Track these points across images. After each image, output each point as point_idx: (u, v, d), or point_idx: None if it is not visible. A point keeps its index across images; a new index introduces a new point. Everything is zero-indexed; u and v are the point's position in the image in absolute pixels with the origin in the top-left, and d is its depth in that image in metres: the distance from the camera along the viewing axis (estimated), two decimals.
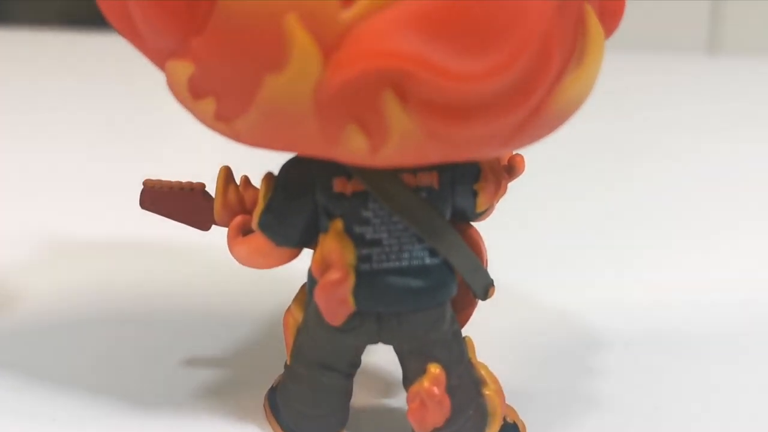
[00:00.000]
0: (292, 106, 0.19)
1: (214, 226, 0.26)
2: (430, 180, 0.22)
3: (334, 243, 0.22)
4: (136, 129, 0.66)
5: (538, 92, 0.19)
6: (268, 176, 0.23)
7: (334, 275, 0.22)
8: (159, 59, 0.22)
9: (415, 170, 0.22)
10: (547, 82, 0.19)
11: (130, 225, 0.39)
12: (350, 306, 0.22)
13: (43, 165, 0.55)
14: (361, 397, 0.27)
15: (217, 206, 0.25)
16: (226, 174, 0.25)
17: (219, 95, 0.20)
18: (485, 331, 0.27)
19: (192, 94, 0.21)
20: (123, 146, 0.60)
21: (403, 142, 0.19)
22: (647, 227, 0.46)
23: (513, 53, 0.18)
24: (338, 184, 0.22)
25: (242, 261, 0.24)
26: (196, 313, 0.34)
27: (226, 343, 0.32)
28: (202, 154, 0.45)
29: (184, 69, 0.20)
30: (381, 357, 0.29)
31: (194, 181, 0.26)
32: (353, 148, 0.19)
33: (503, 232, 0.30)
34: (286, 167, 0.23)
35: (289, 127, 0.20)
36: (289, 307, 0.25)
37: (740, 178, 0.55)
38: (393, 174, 0.22)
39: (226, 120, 0.21)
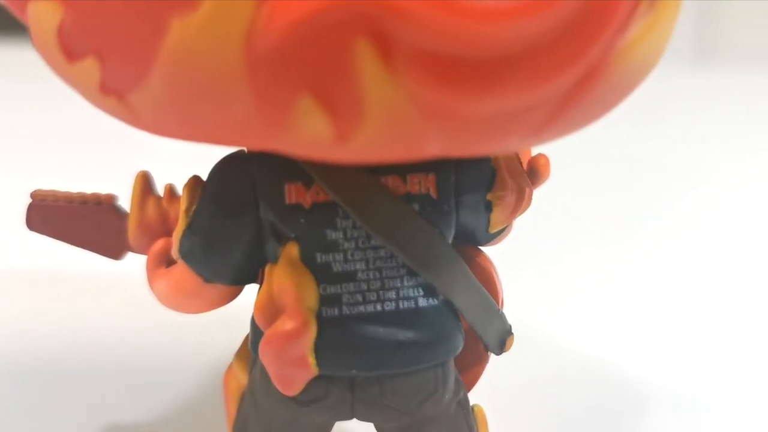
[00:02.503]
0: (212, 66, 0.15)
1: (129, 254, 0.23)
2: (426, 186, 0.19)
3: (286, 278, 0.19)
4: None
5: (596, 44, 0.15)
6: (193, 182, 0.20)
7: (286, 325, 0.19)
8: (17, 3, 0.18)
9: (404, 171, 0.19)
10: (609, 29, 0.15)
11: (25, 253, 0.38)
12: (311, 368, 0.19)
13: None
14: None
15: (132, 225, 0.22)
16: (144, 182, 0.22)
17: (103, 54, 0.16)
18: (498, 395, 0.24)
19: (65, 53, 0.17)
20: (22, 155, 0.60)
21: (385, 123, 0.15)
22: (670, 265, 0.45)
23: None
24: (293, 193, 0.19)
25: (163, 302, 0.22)
26: (116, 367, 0.32)
27: (156, 406, 0.30)
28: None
29: (50, 14, 0.17)
30: None
31: (102, 192, 0.23)
32: (310, 133, 0.15)
33: (515, 261, 0.27)
34: (218, 169, 0.20)
35: (210, 101, 0.15)
36: (231, 365, 0.22)
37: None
38: (371, 177, 0.19)
39: (117, 93, 0.16)
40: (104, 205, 0.23)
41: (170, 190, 0.22)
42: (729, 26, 1.13)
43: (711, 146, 0.67)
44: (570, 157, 0.59)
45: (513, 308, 0.22)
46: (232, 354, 0.23)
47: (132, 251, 0.23)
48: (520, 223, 0.22)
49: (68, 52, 0.16)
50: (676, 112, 0.80)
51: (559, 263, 0.44)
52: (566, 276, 0.42)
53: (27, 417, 0.29)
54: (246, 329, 0.22)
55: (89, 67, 0.16)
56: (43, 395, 0.30)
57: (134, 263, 0.23)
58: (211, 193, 0.20)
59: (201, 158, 0.22)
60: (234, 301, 0.22)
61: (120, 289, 0.37)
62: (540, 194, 0.23)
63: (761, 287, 0.42)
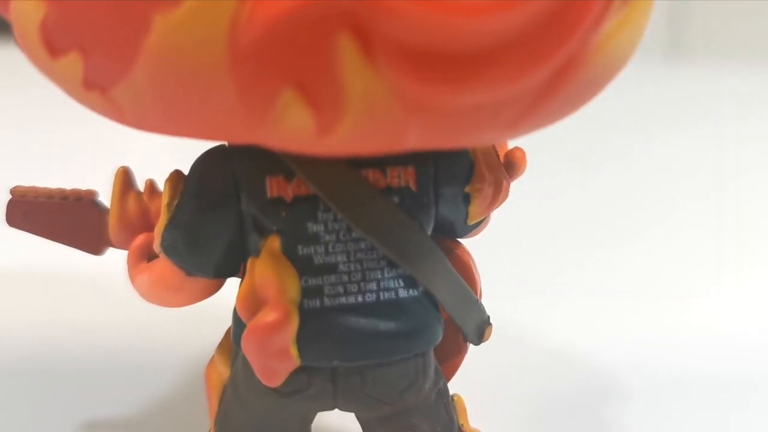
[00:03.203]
0: (195, 61, 0.15)
1: (110, 249, 0.23)
2: (405, 178, 0.19)
3: (268, 270, 0.19)
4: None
5: (571, 39, 0.15)
6: (175, 176, 0.20)
7: (268, 316, 0.19)
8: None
9: (383, 164, 0.19)
10: (584, 24, 0.15)
11: (7, 249, 0.37)
12: (293, 360, 0.19)
13: None
14: None
15: (113, 221, 0.22)
16: (124, 177, 0.22)
17: (86, 48, 0.16)
18: (477, 385, 0.24)
19: (48, 49, 0.16)
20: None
21: (366, 115, 0.15)
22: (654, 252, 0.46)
23: None
24: (274, 186, 0.19)
25: (145, 296, 0.22)
26: (98, 363, 0.32)
27: (137, 400, 0.30)
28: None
29: (33, 10, 0.16)
30: (338, 427, 0.26)
31: (83, 188, 0.23)
32: (292, 126, 0.15)
33: (493, 254, 0.27)
34: (199, 162, 0.20)
35: (193, 95, 0.15)
36: (213, 358, 0.22)
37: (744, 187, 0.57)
38: (352, 170, 0.19)
39: (100, 88, 0.16)
40: (84, 200, 0.22)
41: (151, 186, 0.22)
42: (701, 23, 1.13)
43: (684, 141, 0.68)
44: (546, 152, 0.59)
45: (491, 300, 0.22)
46: (212, 349, 0.22)
47: (113, 246, 0.22)
48: (497, 215, 0.22)
49: (51, 47, 0.16)
50: (649, 108, 0.80)
51: (537, 255, 0.44)
52: (543, 268, 0.43)
53: (8, 412, 0.28)
54: (226, 324, 0.22)
55: (72, 62, 0.16)
56: (25, 390, 0.30)
57: (115, 260, 0.23)
58: (192, 187, 0.20)
59: (180, 153, 0.22)
60: (214, 297, 0.22)
61: (100, 286, 0.36)
62: (517, 187, 0.23)
63: (737, 272, 0.42)
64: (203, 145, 0.19)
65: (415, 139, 0.16)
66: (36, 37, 0.16)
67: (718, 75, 0.95)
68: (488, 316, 0.22)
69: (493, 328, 0.22)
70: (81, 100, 0.17)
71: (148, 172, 0.22)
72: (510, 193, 0.21)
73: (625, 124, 0.73)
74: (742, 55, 1.01)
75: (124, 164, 0.22)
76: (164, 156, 0.23)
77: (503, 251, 0.38)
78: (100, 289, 0.37)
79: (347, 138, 0.15)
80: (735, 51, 1.04)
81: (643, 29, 0.17)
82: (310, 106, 0.15)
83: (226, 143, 0.19)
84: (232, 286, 0.21)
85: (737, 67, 0.97)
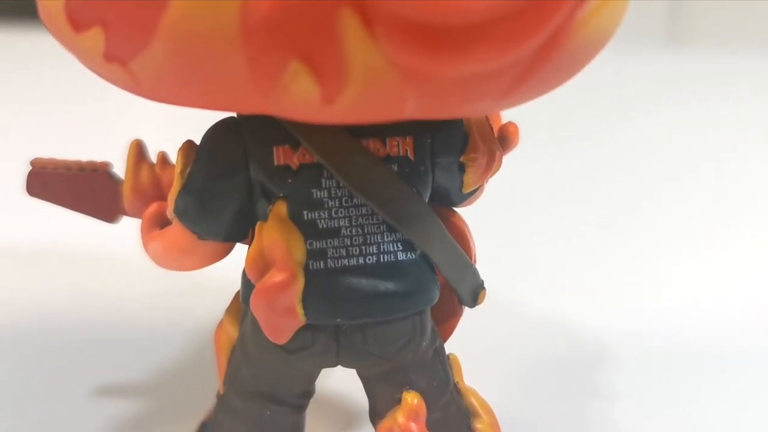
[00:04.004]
0: (209, 34, 0.15)
1: (124, 217, 0.23)
2: (404, 148, 0.20)
3: (275, 234, 0.19)
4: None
5: (556, 14, 0.15)
6: (187, 146, 0.20)
7: (276, 277, 0.19)
8: None
9: (383, 134, 0.20)
10: (568, 2, 0.16)
11: (24, 224, 0.38)
12: (298, 318, 0.20)
13: None
14: None
15: (127, 191, 0.22)
16: (138, 149, 0.22)
17: (108, 24, 0.16)
18: (472, 346, 0.24)
19: (72, 25, 0.17)
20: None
21: (367, 85, 0.16)
22: (646, 227, 0.46)
23: None
24: (281, 155, 0.19)
25: (158, 260, 0.22)
26: (109, 329, 0.32)
27: (146, 366, 0.30)
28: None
29: None
30: (341, 383, 0.27)
31: (98, 160, 0.23)
32: (299, 96, 0.16)
33: (488, 223, 0.27)
34: (211, 133, 0.20)
35: (207, 67, 0.16)
36: (222, 321, 0.22)
37: (738, 170, 0.57)
38: (354, 140, 0.19)
39: (120, 61, 0.17)
40: (100, 171, 0.23)
41: (163, 157, 0.22)
42: (701, 10, 1.11)
43: (682, 129, 0.67)
44: (548, 130, 0.59)
45: (486, 267, 0.23)
46: (217, 318, 0.23)
47: (126, 215, 0.23)
48: (492, 187, 0.23)
49: (75, 23, 0.17)
50: (648, 94, 0.79)
51: (531, 226, 0.45)
52: (537, 237, 0.43)
53: (24, 380, 0.29)
54: (228, 296, 0.23)
55: (94, 36, 0.17)
56: (41, 358, 0.30)
57: (127, 235, 0.23)
58: (204, 155, 0.20)
59: (191, 127, 0.23)
60: (221, 269, 0.22)
61: (113, 260, 0.36)
62: (514, 160, 0.23)
63: (726, 246, 0.43)
64: (213, 118, 0.20)
65: (412, 108, 0.16)
66: (61, 15, 0.17)
67: (716, 61, 0.94)
68: (482, 281, 0.22)
69: (486, 293, 0.22)
70: (101, 73, 0.17)
71: (160, 145, 0.23)
72: (504, 165, 0.22)
73: (626, 107, 0.73)
74: (741, 42, 1.00)
75: (138, 137, 0.22)
76: (175, 129, 0.23)
77: (498, 222, 0.38)
78: (112, 263, 0.37)
79: (349, 107, 0.16)
80: (733, 38, 1.03)
81: (624, 9, 0.18)
82: (316, 76, 0.15)
83: (235, 115, 0.20)
84: (237, 257, 0.21)
85: (735, 53, 0.96)
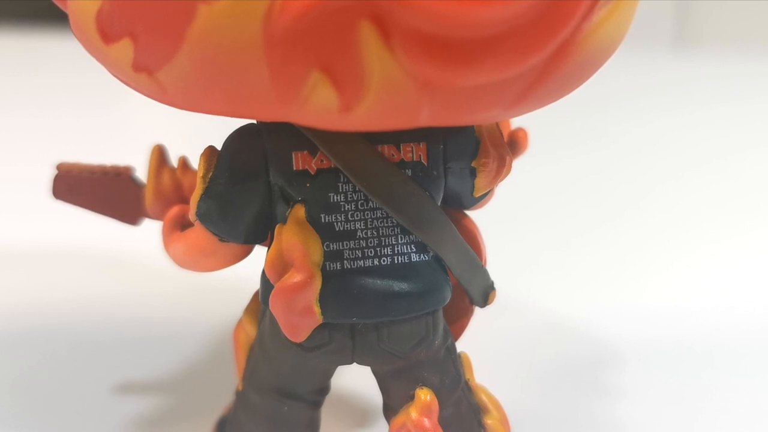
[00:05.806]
0: (234, 46, 0.16)
1: (145, 220, 0.24)
2: (418, 154, 0.20)
3: (294, 236, 0.20)
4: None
5: (565, 27, 0.16)
6: (209, 151, 0.21)
7: (294, 278, 0.19)
8: None
9: (398, 141, 0.20)
10: (576, 14, 0.16)
11: (47, 226, 0.38)
12: (316, 317, 0.20)
13: None
14: (330, 431, 0.25)
15: (149, 194, 0.23)
16: (159, 154, 0.23)
17: (137, 36, 0.17)
18: (483, 345, 0.25)
19: (102, 37, 0.17)
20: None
21: (384, 94, 0.16)
22: (650, 229, 0.46)
23: None
24: (299, 160, 0.20)
25: (179, 262, 0.22)
26: (130, 329, 0.32)
27: (166, 365, 0.30)
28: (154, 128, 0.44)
29: (90, 2, 0.17)
30: (356, 380, 0.27)
31: (121, 164, 0.24)
32: (319, 105, 0.16)
33: (499, 226, 0.28)
34: (232, 139, 0.20)
35: (231, 76, 0.16)
36: (240, 320, 0.23)
37: (739, 173, 0.57)
38: (370, 146, 0.19)
39: (148, 70, 0.17)
40: (123, 175, 0.23)
41: (183, 162, 0.23)
42: (708, 13, 1.11)
43: (690, 131, 0.67)
44: (557, 134, 0.59)
45: (496, 269, 0.23)
46: (235, 318, 0.23)
47: (148, 217, 0.23)
48: (502, 192, 0.23)
49: (105, 35, 0.17)
50: (656, 97, 0.79)
51: (539, 229, 0.45)
52: (546, 241, 0.43)
53: (46, 378, 0.29)
54: (245, 296, 0.23)
55: (124, 47, 0.17)
56: (62, 358, 0.30)
57: (147, 237, 0.24)
58: (225, 160, 0.20)
59: (211, 133, 0.23)
60: (239, 272, 0.22)
61: (134, 261, 0.37)
62: (523, 165, 0.24)
63: (731, 246, 0.43)
64: (233, 125, 0.20)
65: (426, 117, 0.17)
66: (92, 27, 0.17)
67: (723, 63, 0.94)
68: (492, 282, 0.22)
69: (497, 294, 0.22)
70: (129, 82, 0.18)
71: (180, 150, 0.23)
72: (514, 170, 0.22)
73: (634, 110, 0.73)
74: (749, 44, 1.00)
75: (158, 143, 0.23)
76: (196, 135, 0.24)
77: (508, 224, 0.38)
78: (134, 264, 0.37)
79: (367, 115, 0.16)
80: (741, 40, 1.02)
81: (630, 18, 0.18)
82: (335, 86, 0.16)
83: (256, 122, 0.20)
84: (255, 260, 0.22)
85: (743, 56, 0.96)
